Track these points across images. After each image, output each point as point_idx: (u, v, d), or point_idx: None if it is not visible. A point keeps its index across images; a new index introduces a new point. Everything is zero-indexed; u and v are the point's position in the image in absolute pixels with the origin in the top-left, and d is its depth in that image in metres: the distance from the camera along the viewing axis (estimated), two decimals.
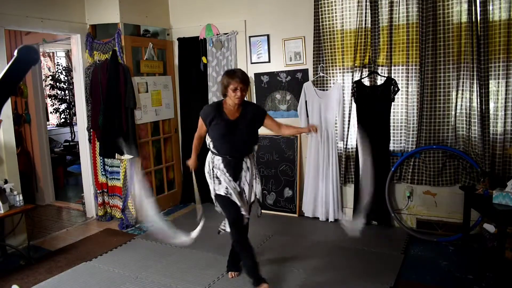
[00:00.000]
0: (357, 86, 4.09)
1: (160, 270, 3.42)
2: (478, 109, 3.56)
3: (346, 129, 4.23)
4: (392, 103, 3.99)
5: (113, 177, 4.65)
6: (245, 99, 3.01)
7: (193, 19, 5.00)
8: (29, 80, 5.30)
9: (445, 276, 3.16)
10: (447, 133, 3.82)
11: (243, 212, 2.93)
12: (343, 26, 4.14)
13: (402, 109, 4.01)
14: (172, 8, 5.18)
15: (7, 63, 1.44)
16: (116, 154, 4.49)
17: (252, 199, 3.08)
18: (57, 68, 7.62)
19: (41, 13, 4.16)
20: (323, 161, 4.30)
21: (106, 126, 4.38)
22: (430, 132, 3.85)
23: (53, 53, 7.70)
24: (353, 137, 4.23)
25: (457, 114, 3.76)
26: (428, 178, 3.90)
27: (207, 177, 3.06)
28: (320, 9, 4.18)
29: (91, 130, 4.65)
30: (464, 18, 3.59)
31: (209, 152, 3.05)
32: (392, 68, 3.97)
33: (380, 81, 4.04)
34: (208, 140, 3.02)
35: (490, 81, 3.53)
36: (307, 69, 4.43)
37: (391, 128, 4.05)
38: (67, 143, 6.94)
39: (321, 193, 4.35)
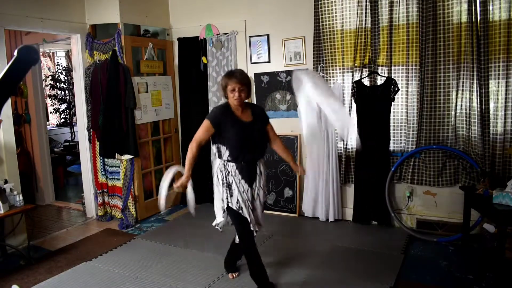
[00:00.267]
0: (357, 86, 4.09)
1: (160, 270, 3.42)
2: (478, 109, 3.56)
3: (346, 129, 4.22)
4: (392, 103, 3.99)
5: (113, 177, 4.65)
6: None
7: (193, 19, 5.00)
8: (29, 80, 5.30)
9: (445, 276, 3.16)
10: (447, 133, 3.82)
11: (252, 228, 2.85)
12: (343, 26, 4.14)
13: (402, 109, 4.01)
14: (172, 8, 5.18)
15: (7, 63, 1.44)
16: (116, 154, 4.49)
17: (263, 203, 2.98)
18: (57, 68, 7.62)
19: (41, 13, 4.16)
20: (323, 161, 4.30)
21: (106, 126, 4.38)
22: (430, 132, 3.85)
23: (53, 53, 7.70)
24: (353, 137, 4.23)
25: (457, 114, 3.76)
26: (428, 178, 3.90)
27: (217, 186, 2.90)
28: (320, 9, 4.18)
29: (91, 130, 4.65)
30: (464, 18, 3.59)
31: (218, 161, 2.89)
32: (392, 68, 3.97)
33: (380, 81, 4.04)
34: (218, 147, 2.85)
35: (490, 81, 3.53)
36: (307, 69, 4.42)
37: (391, 128, 4.05)
38: (67, 143, 6.94)
39: (321, 193, 4.35)
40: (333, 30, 4.17)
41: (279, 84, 4.61)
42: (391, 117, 4.03)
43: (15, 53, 1.44)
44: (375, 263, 3.38)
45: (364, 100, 4.08)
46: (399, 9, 3.86)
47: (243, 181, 2.84)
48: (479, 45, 3.50)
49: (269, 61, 4.64)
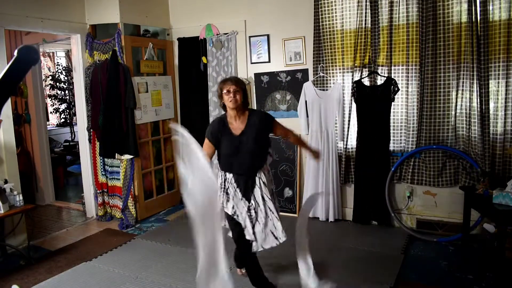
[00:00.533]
0: (357, 86, 4.09)
1: (160, 270, 3.42)
2: (478, 109, 3.56)
3: (346, 129, 4.23)
4: (392, 103, 3.99)
5: (113, 177, 4.65)
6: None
7: (193, 19, 5.00)
8: (29, 80, 5.30)
9: (445, 276, 3.16)
10: (447, 133, 3.82)
11: (248, 237, 2.77)
12: (343, 26, 4.14)
13: (402, 109, 4.01)
14: (172, 8, 5.18)
15: (7, 63, 1.44)
16: (116, 154, 4.49)
17: (272, 216, 2.81)
18: (57, 68, 7.62)
19: (41, 13, 4.16)
20: (323, 161, 4.30)
21: (106, 126, 4.38)
22: (430, 132, 3.85)
23: (53, 53, 7.70)
24: (353, 137, 4.23)
25: (457, 114, 3.76)
26: (428, 178, 3.90)
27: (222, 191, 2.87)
28: (320, 9, 4.18)
29: (91, 130, 4.65)
30: (464, 18, 3.59)
31: (216, 170, 2.87)
32: (392, 68, 3.97)
33: (380, 81, 4.04)
34: (216, 158, 2.87)
35: (490, 81, 3.53)
36: (307, 69, 4.43)
37: (391, 128, 4.05)
38: (67, 143, 6.94)
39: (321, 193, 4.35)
40: (333, 30, 4.17)
41: (279, 84, 4.61)
42: (391, 117, 4.03)
43: (15, 53, 1.44)
44: (375, 263, 3.38)
45: (364, 100, 4.08)
46: (399, 9, 3.86)
47: (238, 190, 2.78)
48: (479, 45, 3.50)
49: (269, 61, 4.64)
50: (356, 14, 4.03)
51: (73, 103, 7.02)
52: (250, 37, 4.69)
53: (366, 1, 3.97)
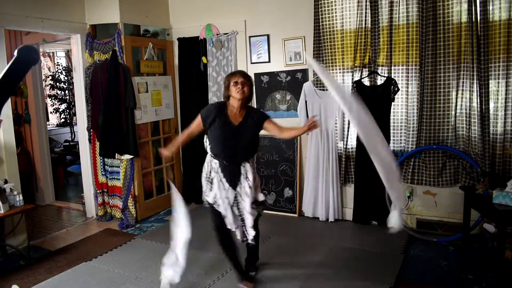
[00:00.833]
0: (357, 86, 4.08)
1: (160, 270, 3.41)
2: (478, 109, 3.56)
3: (346, 129, 4.23)
4: (392, 103, 3.99)
5: (113, 177, 4.65)
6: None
7: (193, 19, 5.00)
8: (29, 80, 5.30)
9: (445, 276, 3.16)
10: (447, 133, 3.82)
11: (228, 226, 2.90)
12: (343, 26, 4.14)
13: (402, 109, 4.01)
14: (172, 8, 5.18)
15: (7, 63, 1.44)
16: (116, 154, 4.49)
17: (249, 208, 2.89)
18: (57, 68, 7.62)
19: (41, 13, 4.16)
20: (323, 161, 4.30)
21: (106, 126, 4.38)
22: (430, 132, 3.85)
23: (53, 53, 7.70)
24: (353, 137, 4.23)
25: (457, 114, 3.76)
26: (428, 178, 3.90)
27: (203, 179, 2.98)
28: (320, 9, 4.18)
29: (91, 130, 4.65)
30: (464, 18, 3.59)
31: (208, 155, 2.96)
32: (392, 68, 3.97)
33: (380, 81, 4.04)
34: (206, 142, 2.94)
35: (490, 81, 3.53)
36: (307, 69, 4.43)
37: (391, 128, 4.05)
38: (67, 143, 6.94)
39: (321, 193, 4.35)
40: (333, 30, 4.17)
41: (279, 84, 4.61)
42: (391, 117, 4.03)
43: (15, 53, 1.44)
44: (375, 263, 3.38)
45: (364, 100, 4.05)
46: (399, 9, 3.86)
47: (224, 180, 2.88)
48: (479, 45, 3.50)
49: (269, 61, 4.64)
50: (356, 14, 4.03)
51: (73, 103, 7.02)
52: (250, 37, 4.69)
53: (366, 1, 3.97)
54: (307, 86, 4.35)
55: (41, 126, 5.46)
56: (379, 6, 3.94)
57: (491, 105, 3.56)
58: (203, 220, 4.39)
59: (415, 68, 3.86)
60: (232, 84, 2.80)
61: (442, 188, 3.90)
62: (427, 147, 3.85)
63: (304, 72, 4.45)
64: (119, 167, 4.57)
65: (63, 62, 7.81)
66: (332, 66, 4.23)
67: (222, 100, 2.98)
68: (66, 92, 7.48)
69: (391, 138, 4.06)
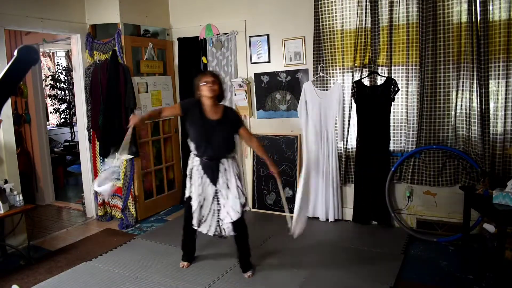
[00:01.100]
0: (357, 86, 4.09)
1: (160, 270, 3.42)
2: (478, 109, 3.56)
3: (346, 129, 4.23)
4: (392, 103, 3.99)
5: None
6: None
7: (193, 19, 5.00)
8: (29, 80, 5.30)
9: (445, 276, 3.16)
10: (447, 133, 3.82)
11: (193, 222, 3.14)
12: (343, 26, 4.14)
13: (402, 109, 4.01)
14: (172, 8, 5.18)
15: (7, 63, 1.44)
16: (116, 154, 4.48)
17: (234, 203, 3.09)
18: (57, 68, 7.62)
19: (41, 13, 4.16)
20: (323, 161, 4.30)
21: (106, 126, 4.38)
22: (430, 132, 3.85)
23: (53, 53, 7.70)
24: (353, 137, 4.23)
25: (457, 114, 3.76)
26: (428, 178, 3.90)
27: (186, 176, 3.22)
28: (320, 9, 4.18)
29: (91, 130, 4.65)
30: (464, 18, 3.59)
31: (191, 153, 3.20)
32: (392, 68, 3.97)
33: (380, 81, 4.04)
34: (189, 141, 3.15)
35: (490, 81, 3.53)
36: (307, 69, 4.43)
37: (391, 128, 4.05)
38: (67, 143, 6.94)
39: (321, 193, 4.35)
40: (333, 30, 4.17)
41: (279, 84, 4.61)
42: (391, 117, 4.03)
43: (15, 53, 1.44)
44: (375, 263, 3.38)
45: (364, 100, 4.09)
46: (399, 9, 3.86)
47: (205, 176, 3.10)
48: (479, 45, 3.50)
49: (269, 61, 4.64)
50: (356, 14, 4.03)
51: (73, 103, 7.02)
52: (250, 37, 4.69)
53: (366, 1, 3.97)
54: (307, 86, 4.35)
55: (41, 126, 5.46)
56: (379, 6, 3.94)
57: (491, 105, 3.56)
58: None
59: (415, 68, 3.86)
60: (202, 84, 3.04)
61: (442, 188, 3.90)
62: (427, 147, 3.85)
63: (304, 72, 4.45)
64: (119, 167, 4.57)
65: (63, 62, 7.81)
66: (332, 66, 4.23)
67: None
68: (66, 92, 7.48)
69: (391, 138, 4.06)
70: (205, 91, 3.03)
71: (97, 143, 4.61)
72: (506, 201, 3.04)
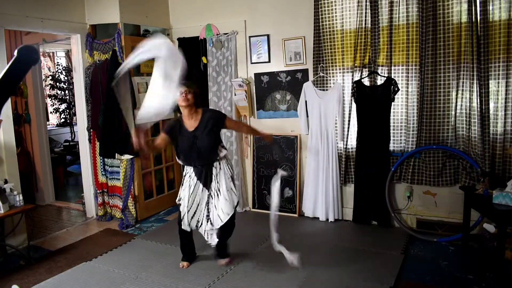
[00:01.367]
0: (357, 86, 4.09)
1: (160, 270, 3.42)
2: (478, 109, 3.55)
3: (346, 129, 4.23)
4: (392, 103, 3.99)
5: (113, 177, 4.65)
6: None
7: (193, 19, 5.00)
8: (29, 80, 5.30)
9: (445, 276, 3.16)
10: (447, 133, 3.82)
11: (183, 226, 3.27)
12: (343, 26, 4.14)
13: (402, 109, 4.01)
14: (172, 8, 5.18)
15: (7, 63, 1.44)
16: (116, 154, 4.49)
17: (227, 211, 3.20)
18: (57, 68, 7.63)
19: (41, 13, 4.16)
20: (323, 161, 4.30)
21: (106, 126, 4.39)
22: (430, 132, 3.85)
23: (53, 53, 7.70)
24: (353, 137, 4.23)
25: (457, 114, 3.76)
26: (428, 178, 3.90)
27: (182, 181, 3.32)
28: (320, 9, 4.18)
29: (91, 130, 4.65)
30: (464, 18, 3.59)
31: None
32: (392, 68, 3.97)
33: (380, 81, 4.04)
34: (177, 157, 3.28)
35: (490, 81, 3.53)
36: (307, 69, 4.43)
37: (391, 128, 4.05)
38: (67, 143, 6.94)
39: (321, 193, 4.35)
40: (333, 30, 4.17)
41: (279, 84, 4.61)
42: (391, 117, 4.03)
43: (15, 53, 1.44)
44: (375, 263, 3.38)
45: (364, 100, 4.09)
46: (399, 9, 3.86)
47: (198, 181, 3.20)
48: (479, 45, 3.50)
49: (269, 61, 4.64)
50: (356, 14, 4.03)
51: (73, 103, 7.02)
52: (250, 37, 4.68)
53: (366, 1, 3.97)
54: (307, 86, 4.35)
55: (41, 126, 5.46)
56: (379, 6, 3.94)
57: (491, 105, 3.56)
58: None
59: (415, 68, 3.86)
60: (177, 95, 3.00)
61: (442, 188, 3.90)
62: (427, 147, 3.85)
63: (304, 72, 4.45)
64: (119, 167, 4.58)
65: (63, 62, 7.82)
66: (332, 66, 4.23)
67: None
68: (66, 92, 7.48)
69: (391, 138, 4.06)
70: (180, 101, 3.09)
71: (97, 143, 4.61)
72: (506, 201, 3.04)
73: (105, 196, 4.75)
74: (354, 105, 4.15)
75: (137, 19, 4.71)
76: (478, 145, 3.61)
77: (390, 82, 3.94)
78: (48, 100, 7.21)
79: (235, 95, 4.74)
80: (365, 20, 4.00)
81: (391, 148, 4.09)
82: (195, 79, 5.03)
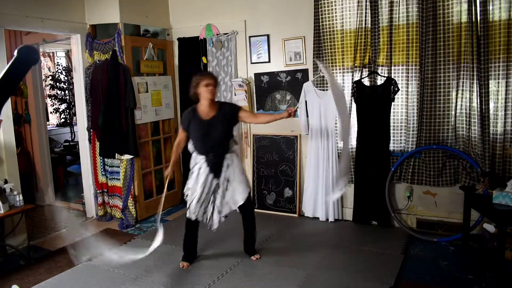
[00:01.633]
0: (357, 86, 4.09)
1: (160, 270, 3.42)
2: (478, 109, 3.56)
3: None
4: (392, 103, 3.99)
5: (113, 177, 4.65)
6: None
7: (193, 19, 5.00)
8: (29, 80, 5.30)
9: (445, 276, 3.16)
10: (447, 133, 3.82)
11: (192, 215, 3.29)
12: (343, 26, 4.14)
13: (402, 109, 4.01)
14: (172, 8, 5.18)
15: (7, 63, 1.44)
16: (116, 154, 4.49)
17: (242, 196, 3.29)
18: (57, 68, 7.63)
19: (41, 13, 4.16)
20: (323, 161, 4.30)
21: (106, 126, 4.38)
22: (430, 132, 3.85)
23: (53, 53, 7.70)
24: (353, 137, 4.23)
25: (457, 114, 3.76)
26: (428, 178, 3.90)
27: (190, 173, 3.33)
28: (320, 9, 4.18)
29: (91, 130, 4.65)
30: (464, 18, 3.59)
31: (193, 155, 3.32)
32: (392, 68, 3.97)
33: (380, 81, 4.04)
34: (189, 143, 3.31)
35: (490, 81, 3.53)
36: (307, 69, 4.43)
37: (391, 128, 4.05)
38: (67, 143, 6.94)
39: (321, 193, 4.35)
40: (333, 30, 4.17)
41: (279, 84, 4.61)
42: (391, 117, 4.03)
43: (15, 53, 1.44)
44: (375, 263, 3.38)
45: (364, 100, 4.09)
46: (399, 9, 3.86)
47: (208, 171, 3.21)
48: (479, 45, 3.50)
49: (269, 61, 4.64)
50: (356, 14, 4.03)
51: (73, 103, 7.02)
52: (250, 37, 4.69)
53: (366, 1, 3.97)
54: (307, 86, 4.35)
55: (41, 126, 5.45)
56: (379, 6, 3.94)
57: (491, 105, 3.56)
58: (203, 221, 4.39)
59: (415, 68, 3.86)
60: (203, 85, 3.12)
61: (442, 188, 3.90)
62: (427, 147, 3.85)
63: (304, 72, 4.45)
64: (119, 167, 4.57)
65: (63, 62, 7.82)
66: (332, 66, 4.23)
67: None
68: (66, 92, 7.48)
69: (391, 138, 4.06)
70: (207, 93, 3.13)
71: (97, 143, 4.61)
72: (506, 201, 3.04)
73: (105, 196, 4.75)
74: (354, 105, 4.15)
75: (137, 19, 4.72)
76: (478, 145, 3.61)
77: (390, 82, 3.94)
78: (48, 100, 7.21)
79: (235, 95, 4.74)
80: (365, 20, 4.00)
81: (391, 148, 4.09)
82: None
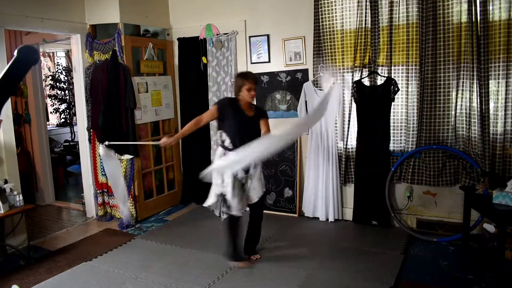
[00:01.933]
0: (357, 86, 4.09)
1: (160, 270, 3.42)
2: (478, 109, 3.56)
3: (346, 129, 4.23)
4: (392, 103, 3.99)
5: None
6: None
7: (193, 19, 5.00)
8: (29, 80, 5.30)
9: (445, 276, 3.16)
10: (447, 133, 3.82)
11: (236, 212, 3.20)
12: (343, 26, 4.14)
13: (402, 109, 4.01)
14: (172, 8, 5.18)
15: (7, 63, 1.44)
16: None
17: (257, 194, 3.32)
18: (57, 68, 7.63)
19: (41, 13, 4.16)
20: (323, 161, 4.30)
21: (106, 126, 4.38)
22: (430, 132, 3.85)
23: (53, 53, 7.70)
24: (353, 137, 4.23)
25: (457, 114, 3.76)
26: (428, 178, 3.90)
27: (215, 172, 3.19)
28: (320, 9, 4.18)
29: (91, 130, 4.65)
30: (464, 18, 3.59)
31: (220, 149, 3.27)
32: (392, 68, 3.97)
33: (380, 81, 4.04)
34: (222, 136, 3.26)
35: (490, 81, 3.53)
36: (307, 69, 4.43)
37: (391, 128, 4.05)
38: (67, 143, 6.94)
39: (321, 193, 4.35)
40: (333, 30, 4.17)
41: (279, 84, 4.61)
42: (391, 117, 4.03)
43: (15, 53, 1.44)
44: (375, 263, 3.38)
45: (364, 100, 4.08)
46: (399, 9, 3.86)
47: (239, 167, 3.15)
48: (479, 45, 3.50)
49: (269, 61, 4.64)
50: (356, 14, 4.03)
51: (73, 103, 7.02)
52: (250, 37, 4.69)
53: (366, 1, 3.97)
54: (307, 86, 4.35)
55: (41, 126, 5.46)
56: (379, 6, 3.94)
57: (491, 105, 3.56)
58: (203, 221, 4.42)
59: (415, 68, 3.86)
60: (247, 88, 3.20)
61: (442, 188, 3.90)
62: (427, 147, 3.85)
63: (304, 72, 4.45)
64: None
65: (63, 62, 7.82)
66: (332, 66, 4.23)
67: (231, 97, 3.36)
68: (66, 92, 7.48)
69: (391, 138, 4.06)
70: (247, 95, 3.23)
71: (97, 143, 4.61)
72: (506, 201, 3.04)
73: (105, 196, 4.75)
74: (354, 105, 4.15)
75: (137, 19, 4.72)
76: (478, 145, 3.61)
77: (390, 82, 3.94)
78: (48, 100, 7.21)
79: None
80: (365, 20, 4.00)
81: (391, 148, 4.09)
82: (195, 79, 5.04)
